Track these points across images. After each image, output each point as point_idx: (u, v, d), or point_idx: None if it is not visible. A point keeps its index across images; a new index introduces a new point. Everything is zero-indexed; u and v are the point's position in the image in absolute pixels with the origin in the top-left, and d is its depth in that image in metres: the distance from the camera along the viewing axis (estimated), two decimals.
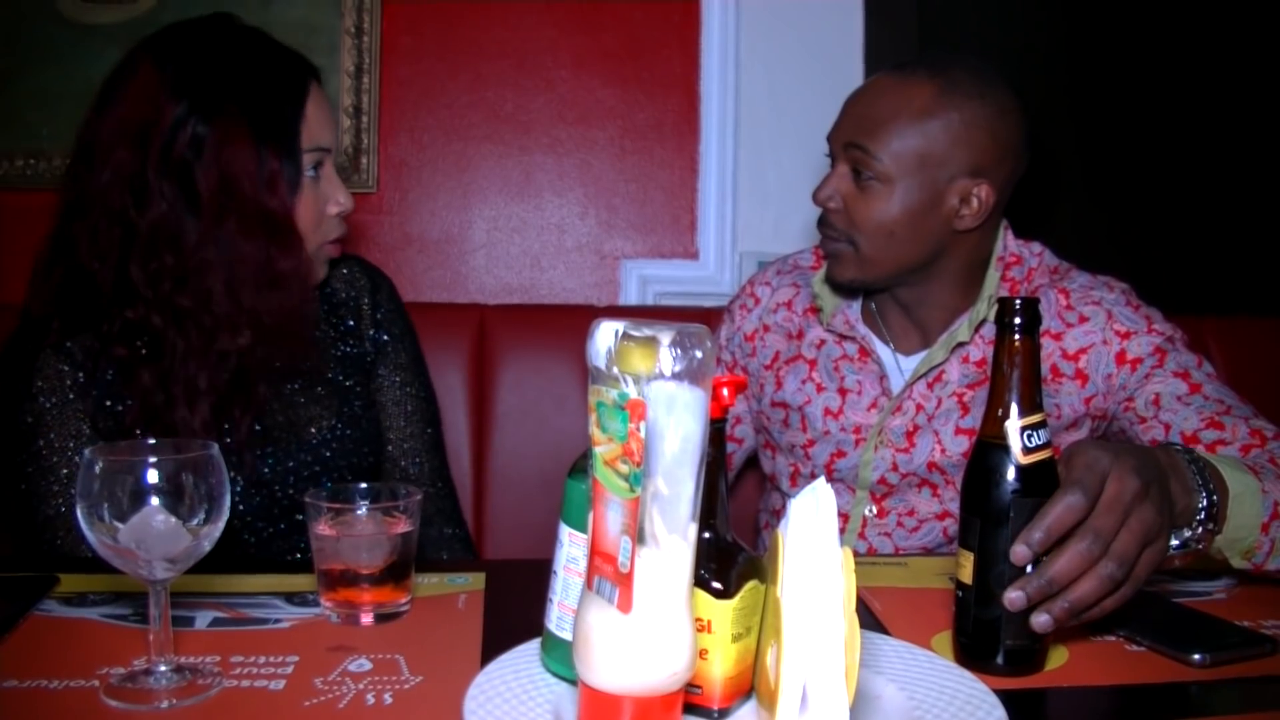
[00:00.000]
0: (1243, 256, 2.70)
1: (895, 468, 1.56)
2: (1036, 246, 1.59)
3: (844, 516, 1.60)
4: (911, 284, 1.54)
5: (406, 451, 1.60)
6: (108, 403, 1.41)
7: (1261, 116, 2.66)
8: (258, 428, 1.45)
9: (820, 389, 1.62)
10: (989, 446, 0.99)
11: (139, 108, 1.36)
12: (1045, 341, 1.49)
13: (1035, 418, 0.98)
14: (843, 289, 1.60)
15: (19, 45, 2.22)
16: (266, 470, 1.45)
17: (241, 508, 1.44)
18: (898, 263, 1.50)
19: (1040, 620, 0.96)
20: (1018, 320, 0.98)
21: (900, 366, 1.60)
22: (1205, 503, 1.09)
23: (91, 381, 1.40)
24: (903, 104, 1.45)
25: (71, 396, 1.40)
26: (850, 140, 1.48)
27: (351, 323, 1.59)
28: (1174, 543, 1.08)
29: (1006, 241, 1.56)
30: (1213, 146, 2.65)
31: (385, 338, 1.61)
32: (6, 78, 2.23)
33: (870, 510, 1.59)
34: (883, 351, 1.60)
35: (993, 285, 1.53)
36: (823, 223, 1.53)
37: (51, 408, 1.40)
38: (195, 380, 1.37)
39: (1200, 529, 1.09)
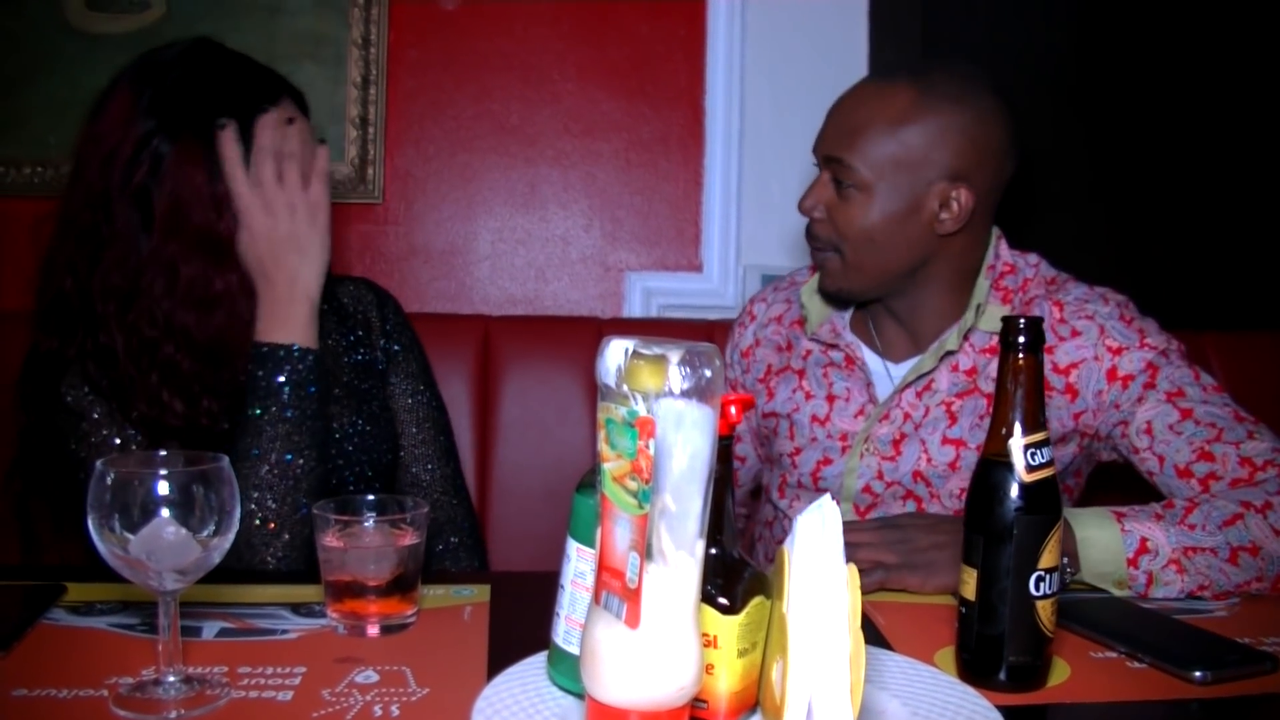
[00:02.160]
0: (1243, 270, 2.71)
1: (880, 475, 1.56)
2: (1033, 257, 1.59)
3: None
4: (901, 293, 1.56)
5: (419, 457, 1.63)
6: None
7: (1264, 130, 2.67)
8: None
9: (809, 397, 1.64)
10: (992, 464, 1.00)
11: (112, 128, 1.40)
12: None
13: (1038, 436, 0.99)
14: (833, 300, 1.62)
15: (27, 53, 2.24)
16: None
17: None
18: (883, 270, 1.51)
19: None
20: (1021, 339, 0.99)
21: (890, 374, 1.60)
22: None
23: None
24: (878, 111, 1.47)
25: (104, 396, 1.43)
26: (828, 153, 1.51)
27: (361, 333, 1.63)
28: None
29: (999, 250, 1.57)
30: (1216, 159, 2.66)
31: (396, 348, 1.65)
32: (14, 85, 2.24)
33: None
34: (870, 359, 1.61)
35: (982, 294, 1.53)
36: (809, 234, 1.56)
37: (89, 405, 1.42)
38: (153, 393, 1.40)
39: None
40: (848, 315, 1.66)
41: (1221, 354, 2.07)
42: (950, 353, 1.54)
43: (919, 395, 1.56)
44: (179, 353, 1.40)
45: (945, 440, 1.53)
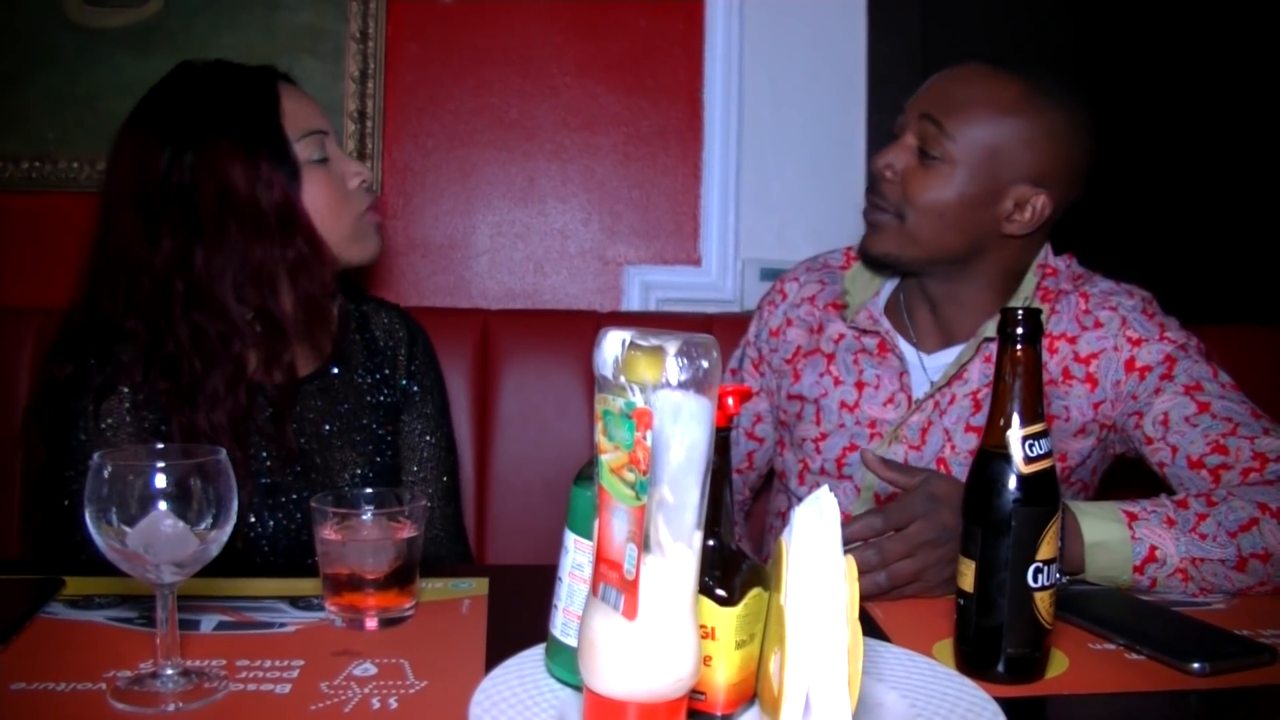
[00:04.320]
0: (1246, 265, 2.71)
1: (905, 464, 1.54)
2: (1065, 257, 1.60)
3: (846, 516, 1.59)
4: (943, 278, 1.55)
5: (418, 495, 1.64)
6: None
7: (1264, 124, 2.67)
8: (298, 468, 1.50)
9: (838, 382, 1.63)
10: (991, 456, 1.00)
11: (133, 166, 1.44)
12: (1060, 344, 1.51)
13: (1037, 427, 0.99)
14: (873, 263, 1.61)
15: (26, 48, 2.23)
16: (299, 513, 1.48)
17: (266, 548, 1.48)
18: (938, 248, 1.51)
19: None
20: (1020, 330, 0.99)
21: (923, 363, 1.60)
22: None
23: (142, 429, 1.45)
24: (990, 92, 1.47)
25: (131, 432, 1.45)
26: (928, 111, 1.48)
27: (387, 371, 1.65)
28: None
29: (1048, 256, 1.57)
30: (1217, 154, 2.66)
31: (415, 389, 1.67)
32: (13, 81, 2.23)
33: None
34: (905, 348, 1.61)
35: (1029, 288, 1.54)
36: (872, 190, 1.54)
37: (107, 429, 1.43)
38: (216, 397, 1.41)
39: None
40: (881, 300, 1.65)
41: (1224, 348, 2.06)
42: (988, 340, 1.53)
43: (950, 383, 1.56)
44: (256, 337, 1.44)
45: (969, 428, 1.53)
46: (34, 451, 1.47)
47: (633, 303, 2.35)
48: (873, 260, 1.58)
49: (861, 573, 1.18)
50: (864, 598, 1.16)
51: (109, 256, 1.45)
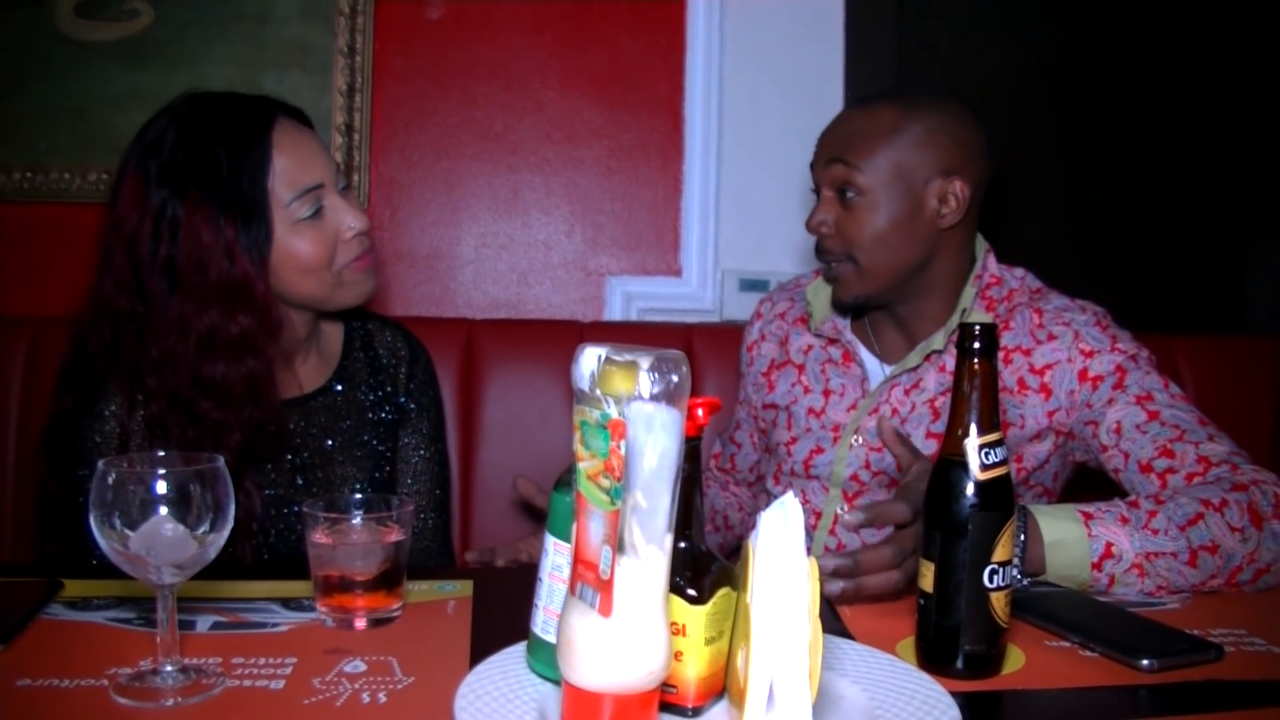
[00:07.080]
0: (1211, 276, 2.76)
1: (868, 465, 1.64)
2: (1019, 271, 1.67)
3: (817, 514, 1.68)
4: (908, 295, 1.63)
5: (406, 500, 1.69)
6: None
7: (1229, 139, 2.72)
8: (300, 481, 1.55)
9: (807, 390, 1.73)
10: (949, 463, 1.05)
11: (129, 209, 1.44)
12: (1015, 356, 1.58)
13: (993, 436, 1.04)
14: (847, 308, 1.71)
15: (17, 60, 2.27)
16: (300, 526, 1.49)
17: (267, 557, 1.53)
18: (895, 269, 1.59)
19: (832, 590, 1.17)
20: (977, 344, 1.04)
21: (884, 373, 1.68)
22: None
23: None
24: (872, 122, 1.58)
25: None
26: (833, 155, 1.59)
27: (389, 388, 1.70)
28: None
29: (987, 263, 1.65)
30: (1183, 169, 2.71)
31: (412, 407, 1.72)
32: (5, 92, 2.27)
33: (842, 508, 1.66)
34: (868, 358, 1.70)
35: (968, 299, 1.61)
36: (820, 249, 1.63)
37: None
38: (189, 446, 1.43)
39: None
40: (848, 317, 1.74)
41: (1189, 357, 2.12)
42: (937, 353, 1.61)
43: (907, 393, 1.63)
44: (213, 407, 1.44)
45: (929, 434, 1.60)
46: (45, 487, 1.50)
47: (614, 313, 2.40)
48: (848, 306, 1.68)
49: (881, 569, 1.20)
50: (879, 597, 1.21)
51: (102, 301, 1.46)
